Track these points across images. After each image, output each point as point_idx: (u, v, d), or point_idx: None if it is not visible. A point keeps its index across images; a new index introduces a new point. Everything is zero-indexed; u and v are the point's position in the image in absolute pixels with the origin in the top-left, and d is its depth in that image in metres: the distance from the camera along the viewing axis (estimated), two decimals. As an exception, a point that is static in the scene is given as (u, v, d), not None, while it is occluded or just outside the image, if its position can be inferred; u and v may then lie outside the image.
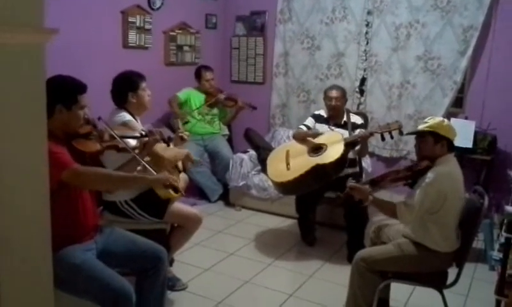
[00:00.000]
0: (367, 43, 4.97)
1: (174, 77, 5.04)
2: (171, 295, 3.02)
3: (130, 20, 4.45)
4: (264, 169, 4.33)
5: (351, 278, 2.65)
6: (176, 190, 2.45)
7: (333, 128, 3.89)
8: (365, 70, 5.03)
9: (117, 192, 2.64)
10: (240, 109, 5.03)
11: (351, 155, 3.75)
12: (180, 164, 3.12)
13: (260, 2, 5.56)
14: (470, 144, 4.11)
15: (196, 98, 4.90)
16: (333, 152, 3.55)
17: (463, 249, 2.54)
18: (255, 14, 5.62)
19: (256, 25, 5.64)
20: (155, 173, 2.42)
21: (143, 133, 2.59)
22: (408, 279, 2.64)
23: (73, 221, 2.17)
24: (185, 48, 5.21)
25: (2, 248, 1.44)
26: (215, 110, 5.04)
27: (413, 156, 4.79)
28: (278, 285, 3.31)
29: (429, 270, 2.57)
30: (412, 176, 2.64)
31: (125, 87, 2.88)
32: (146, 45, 4.68)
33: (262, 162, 4.48)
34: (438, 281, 2.58)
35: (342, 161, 3.57)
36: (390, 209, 2.59)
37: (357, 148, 3.77)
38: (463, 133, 3.96)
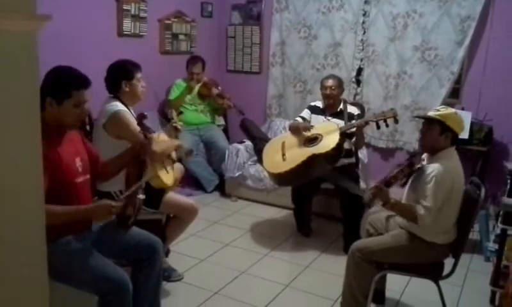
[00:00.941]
0: (364, 32, 4.94)
1: (169, 66, 4.99)
2: (167, 285, 3.01)
3: (125, 7, 4.39)
4: (260, 160, 4.32)
5: (347, 269, 2.65)
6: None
7: (329, 118, 3.87)
8: (361, 60, 5.00)
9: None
10: (228, 108, 5.02)
11: (346, 145, 3.74)
12: (174, 155, 3.10)
13: (256, -9, 5.51)
14: (466, 135, 4.10)
15: (185, 89, 4.87)
16: (329, 142, 3.54)
17: (460, 241, 2.54)
18: (251, 2, 5.57)
19: (252, 13, 5.59)
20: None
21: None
22: (404, 270, 2.64)
23: None
24: (181, 36, 5.15)
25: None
26: (207, 101, 5.01)
27: (409, 147, 4.82)
28: (274, 276, 3.31)
29: (426, 262, 2.57)
30: (411, 173, 2.59)
31: (119, 75, 2.84)
32: (141, 33, 4.62)
33: (258, 152, 4.46)
34: (434, 272, 2.58)
35: (337, 151, 3.55)
36: (410, 212, 2.49)
37: (353, 139, 3.76)
38: (460, 124, 3.95)
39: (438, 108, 2.62)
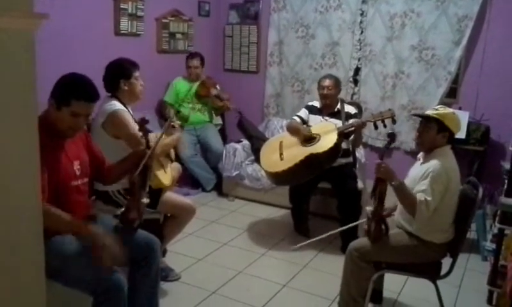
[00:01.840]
0: (362, 32, 4.94)
1: (166, 65, 4.99)
2: (164, 285, 3.00)
3: (122, 6, 4.37)
4: (257, 159, 4.32)
5: (344, 268, 2.64)
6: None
7: (326, 118, 3.86)
8: (359, 60, 5.01)
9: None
10: (227, 110, 5.02)
11: (344, 145, 3.74)
12: (172, 154, 3.10)
13: (254, -10, 5.50)
14: (463, 135, 4.12)
15: (184, 87, 4.86)
16: (326, 142, 3.54)
17: (457, 240, 2.54)
18: (248, 2, 5.56)
19: (250, 13, 5.59)
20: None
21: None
22: (402, 270, 2.63)
23: (64, 211, 2.12)
24: (178, 35, 5.15)
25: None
26: (203, 101, 4.99)
27: (406, 146, 4.83)
28: (271, 275, 3.31)
29: (423, 261, 2.57)
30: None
31: (117, 74, 2.82)
32: (138, 32, 4.61)
33: (256, 152, 4.46)
34: (431, 272, 2.58)
35: (335, 151, 3.55)
36: (411, 200, 2.45)
37: (351, 138, 3.76)
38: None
39: (436, 107, 2.63)
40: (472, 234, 3.84)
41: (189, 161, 4.78)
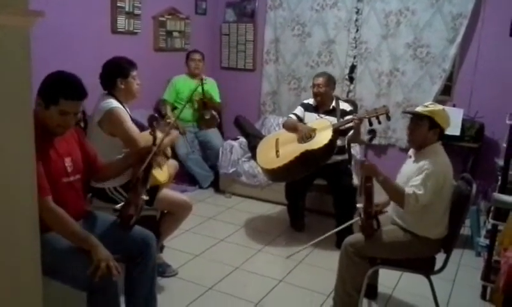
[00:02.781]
0: (357, 30, 4.96)
1: (163, 63, 5.00)
2: (161, 281, 3.02)
3: (119, 4, 4.38)
4: (254, 156, 4.34)
5: (339, 264, 2.67)
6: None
7: (322, 116, 3.89)
8: (354, 58, 5.03)
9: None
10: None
11: (339, 142, 3.76)
12: (168, 151, 3.11)
13: (250, -12, 5.51)
14: (457, 132, 4.14)
15: (184, 85, 4.86)
16: (322, 138, 3.57)
17: (452, 236, 2.57)
18: (245, 0, 5.57)
19: (246, 11, 5.60)
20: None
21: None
22: (397, 265, 2.66)
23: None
24: (175, 33, 5.16)
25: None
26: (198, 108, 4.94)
27: (401, 143, 4.85)
28: (267, 271, 3.34)
29: (418, 257, 2.59)
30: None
31: (114, 73, 2.84)
32: (135, 30, 4.62)
33: (252, 149, 4.48)
34: (426, 267, 2.61)
35: (330, 147, 3.58)
36: (398, 193, 2.49)
37: (348, 135, 3.78)
38: (451, 121, 3.97)
39: (426, 104, 2.65)
40: (465, 230, 3.86)
41: (186, 158, 4.80)
